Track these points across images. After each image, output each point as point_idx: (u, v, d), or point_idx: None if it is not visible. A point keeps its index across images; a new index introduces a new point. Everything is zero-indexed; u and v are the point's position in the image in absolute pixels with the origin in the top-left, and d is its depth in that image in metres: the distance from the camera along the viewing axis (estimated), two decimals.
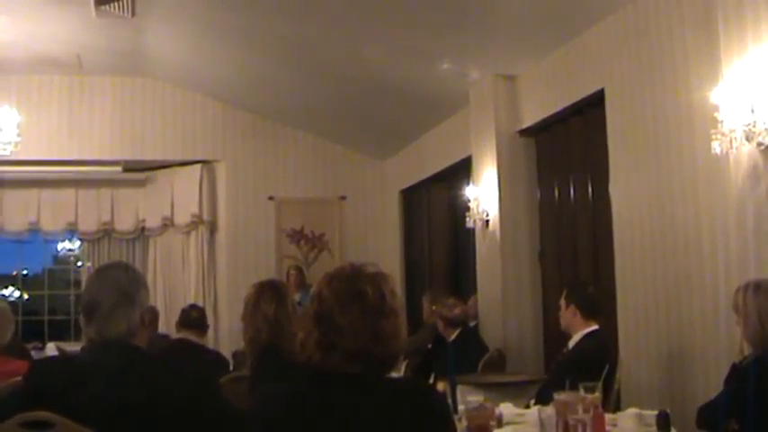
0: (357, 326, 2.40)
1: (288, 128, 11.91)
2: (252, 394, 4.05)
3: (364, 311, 2.42)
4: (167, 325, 9.38)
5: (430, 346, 8.31)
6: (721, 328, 5.17)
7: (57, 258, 14.39)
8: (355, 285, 2.45)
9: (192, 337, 6.78)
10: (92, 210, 11.91)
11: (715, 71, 5.08)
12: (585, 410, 3.68)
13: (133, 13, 8.42)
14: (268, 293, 4.39)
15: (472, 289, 9.04)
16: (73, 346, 9.49)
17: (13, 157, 9.25)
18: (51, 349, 9.86)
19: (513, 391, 5.89)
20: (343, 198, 12.18)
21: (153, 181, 12.11)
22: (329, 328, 2.41)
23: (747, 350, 4.01)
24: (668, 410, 3.97)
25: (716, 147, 4.84)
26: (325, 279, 2.51)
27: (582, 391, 3.76)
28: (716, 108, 4.88)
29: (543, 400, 4.64)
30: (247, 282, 4.78)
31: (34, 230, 11.88)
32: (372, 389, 2.44)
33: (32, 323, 12.76)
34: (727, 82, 4.88)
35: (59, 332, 12.38)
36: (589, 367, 4.66)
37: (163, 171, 12.06)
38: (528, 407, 4.88)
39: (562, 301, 5.56)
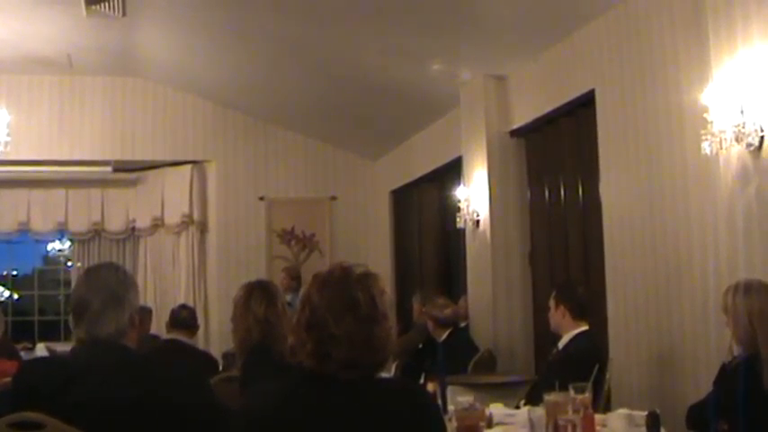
0: (351, 335, 2.40)
1: (278, 128, 11.90)
2: (243, 394, 4.05)
3: (357, 320, 2.41)
4: (157, 325, 9.35)
5: (420, 346, 8.30)
6: (711, 328, 5.18)
7: (47, 258, 14.36)
8: (347, 293, 2.44)
9: (181, 337, 6.78)
10: (82, 210, 11.88)
11: (705, 72, 5.09)
12: (575, 411, 3.68)
13: (124, 13, 8.40)
14: (258, 294, 4.38)
15: (462, 289, 9.04)
16: (63, 347, 9.45)
17: (2, 157, 9.22)
18: (41, 350, 9.82)
19: (504, 391, 5.89)
20: (334, 198, 12.18)
21: (143, 181, 12.09)
22: (323, 338, 2.40)
23: (737, 351, 4.02)
24: (658, 411, 3.97)
25: (706, 147, 4.85)
26: (314, 284, 2.49)
27: (572, 392, 3.77)
28: (706, 109, 4.88)
29: (533, 400, 4.64)
30: (238, 282, 4.76)
31: (24, 230, 11.84)
32: (364, 391, 2.44)
33: (22, 323, 12.72)
34: (717, 83, 4.89)
35: (49, 332, 12.32)
36: (579, 368, 4.67)
37: (153, 171, 12.03)
38: (518, 407, 4.88)
39: (552, 302, 5.56)
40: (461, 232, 8.98)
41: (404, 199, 11.79)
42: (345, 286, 2.45)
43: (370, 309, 2.43)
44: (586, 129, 7.01)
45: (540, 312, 7.56)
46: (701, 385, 4.89)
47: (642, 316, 6.11)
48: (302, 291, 2.53)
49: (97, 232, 12.00)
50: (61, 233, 12.40)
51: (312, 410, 2.40)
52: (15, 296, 13.55)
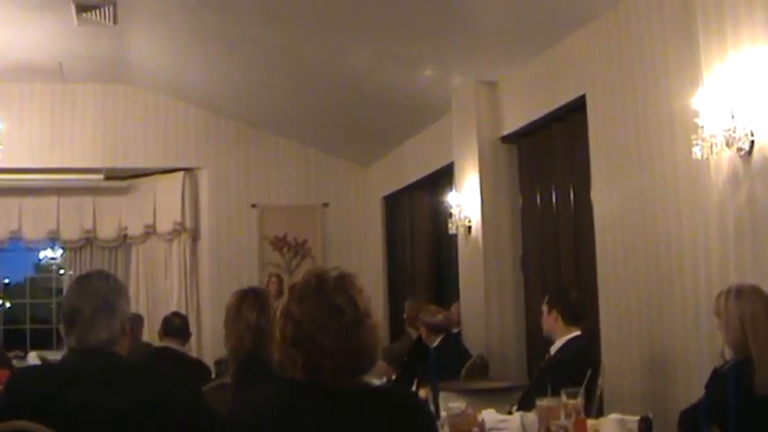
0: (340, 343, 2.38)
1: (270, 135, 11.90)
2: (233, 401, 4.04)
3: (343, 327, 2.39)
4: (149, 333, 9.35)
5: (406, 358, 8.23)
6: (702, 332, 5.19)
7: (38, 267, 14.31)
8: (327, 300, 2.41)
9: (174, 345, 6.75)
10: (74, 218, 11.86)
11: (695, 77, 5.10)
12: (567, 416, 3.69)
13: (115, 21, 8.40)
14: (250, 300, 4.37)
15: (455, 295, 9.04)
16: (55, 355, 9.43)
17: None
18: (33, 358, 9.79)
19: (496, 397, 5.88)
20: (326, 205, 12.18)
21: (135, 189, 12.07)
22: (312, 351, 2.38)
23: (728, 355, 4.02)
24: (650, 415, 3.98)
25: (696, 152, 4.85)
26: (292, 298, 2.46)
27: (564, 397, 3.77)
28: (696, 113, 4.89)
29: (525, 405, 4.64)
30: (230, 289, 4.74)
31: (16, 239, 11.83)
32: (356, 399, 2.43)
33: (14, 332, 12.67)
34: (708, 87, 4.90)
35: (41, 341, 12.28)
36: (571, 373, 4.66)
37: (145, 179, 12.03)
38: (510, 413, 4.88)
39: (544, 307, 5.56)
40: (453, 238, 8.99)
41: (396, 205, 11.80)
42: (324, 295, 2.43)
43: (353, 312, 2.42)
44: (577, 134, 7.02)
45: (532, 318, 7.57)
46: (692, 390, 4.89)
47: (634, 321, 6.12)
48: (281, 303, 2.52)
49: (89, 240, 11.99)
50: (53, 241, 12.35)
51: (303, 421, 2.39)
52: (7, 304, 13.50)
